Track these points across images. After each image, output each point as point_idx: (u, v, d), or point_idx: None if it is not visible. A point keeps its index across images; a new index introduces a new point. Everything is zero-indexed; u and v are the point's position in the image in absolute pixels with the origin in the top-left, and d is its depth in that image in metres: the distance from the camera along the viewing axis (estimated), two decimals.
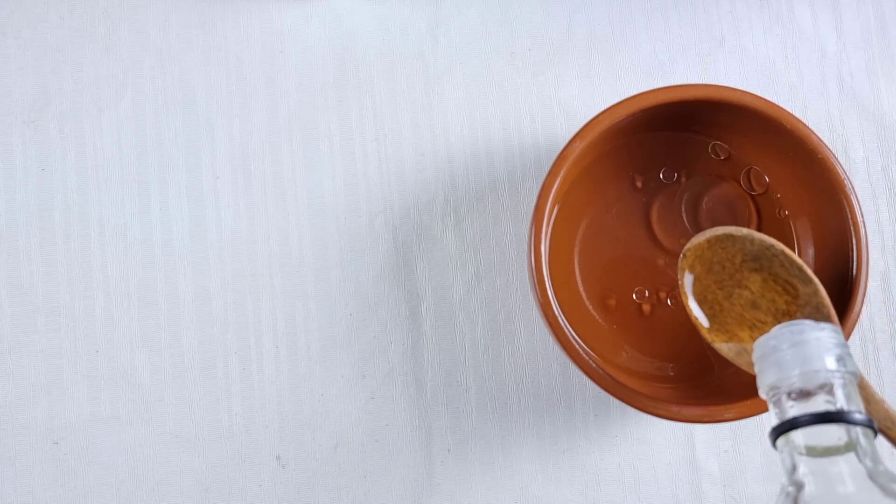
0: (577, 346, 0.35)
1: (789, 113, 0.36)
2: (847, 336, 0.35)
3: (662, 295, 0.39)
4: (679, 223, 0.39)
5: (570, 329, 0.36)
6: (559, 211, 0.39)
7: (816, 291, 0.32)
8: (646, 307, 0.39)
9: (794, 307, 0.33)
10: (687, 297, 0.34)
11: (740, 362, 0.33)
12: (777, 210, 0.39)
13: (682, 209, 0.39)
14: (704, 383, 0.38)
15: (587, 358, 0.35)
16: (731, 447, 0.41)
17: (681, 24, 0.44)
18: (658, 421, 0.41)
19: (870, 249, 0.37)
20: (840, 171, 0.36)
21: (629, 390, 0.35)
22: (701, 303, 0.34)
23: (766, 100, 0.36)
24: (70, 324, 0.41)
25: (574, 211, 0.39)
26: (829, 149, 0.36)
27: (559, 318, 0.36)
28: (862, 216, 0.36)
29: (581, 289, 0.39)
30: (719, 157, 0.39)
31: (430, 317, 0.41)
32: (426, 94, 0.43)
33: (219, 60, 0.43)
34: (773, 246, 0.33)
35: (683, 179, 0.39)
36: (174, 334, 0.41)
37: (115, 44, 0.43)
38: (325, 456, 0.41)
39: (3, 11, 0.43)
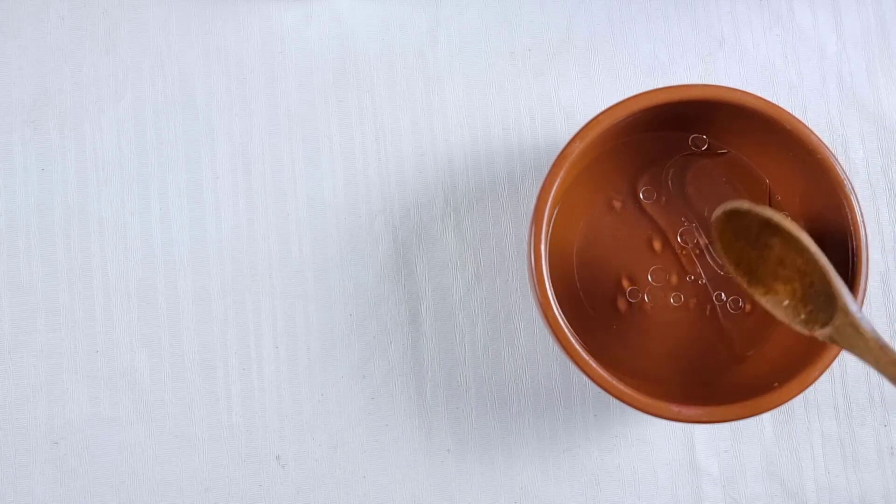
0: (577, 346, 0.35)
1: (789, 113, 0.36)
2: None
3: (662, 294, 0.39)
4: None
5: (570, 329, 0.36)
6: (559, 211, 0.39)
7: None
8: (646, 307, 0.39)
9: (811, 266, 0.33)
10: (723, 259, 0.36)
11: (779, 314, 0.34)
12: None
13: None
14: (704, 383, 0.38)
15: (587, 358, 0.35)
16: (731, 447, 0.41)
17: (681, 24, 0.44)
18: (658, 421, 0.41)
19: (870, 249, 0.37)
20: (840, 171, 0.36)
21: (629, 390, 0.35)
22: (738, 263, 0.35)
23: (765, 100, 0.36)
24: (70, 324, 0.41)
25: (574, 211, 0.39)
26: (828, 149, 0.36)
27: (559, 318, 0.36)
28: (862, 216, 0.36)
29: (581, 289, 0.39)
30: (700, 148, 0.39)
31: (430, 317, 0.41)
32: (426, 94, 0.43)
33: (219, 60, 0.43)
34: (770, 219, 0.33)
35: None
36: (174, 334, 0.41)
37: (115, 44, 0.43)
38: (325, 456, 0.41)
39: (2, 11, 0.43)
